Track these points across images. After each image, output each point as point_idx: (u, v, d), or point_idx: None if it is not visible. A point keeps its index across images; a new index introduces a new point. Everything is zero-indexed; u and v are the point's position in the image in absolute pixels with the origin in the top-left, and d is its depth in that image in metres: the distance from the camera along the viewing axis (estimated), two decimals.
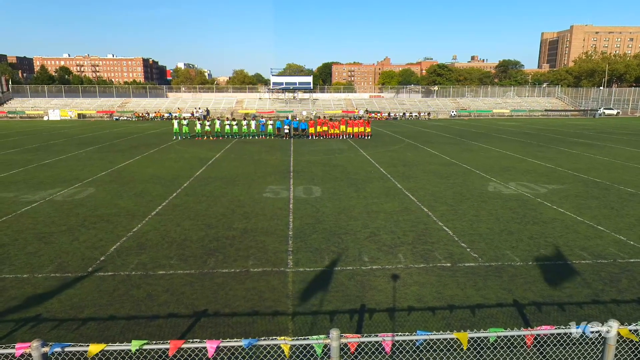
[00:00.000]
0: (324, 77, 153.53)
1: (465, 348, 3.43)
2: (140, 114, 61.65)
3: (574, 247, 8.75)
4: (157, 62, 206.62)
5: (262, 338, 3.35)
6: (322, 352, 3.34)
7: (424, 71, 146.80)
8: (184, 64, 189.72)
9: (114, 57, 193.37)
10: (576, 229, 9.85)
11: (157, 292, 6.77)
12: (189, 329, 5.74)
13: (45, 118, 61.30)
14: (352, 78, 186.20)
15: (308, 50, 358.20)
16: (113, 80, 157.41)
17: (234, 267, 7.75)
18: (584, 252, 8.45)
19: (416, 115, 62.72)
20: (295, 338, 3.32)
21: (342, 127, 32.09)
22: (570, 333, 3.62)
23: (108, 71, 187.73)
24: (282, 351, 3.33)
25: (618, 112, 69.36)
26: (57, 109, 64.23)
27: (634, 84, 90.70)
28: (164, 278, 7.30)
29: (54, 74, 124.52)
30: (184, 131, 31.38)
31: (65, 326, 5.77)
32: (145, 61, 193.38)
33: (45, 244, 8.94)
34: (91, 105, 67.88)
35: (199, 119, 41.28)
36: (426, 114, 63.62)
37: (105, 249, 8.62)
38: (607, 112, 67.61)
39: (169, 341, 3.20)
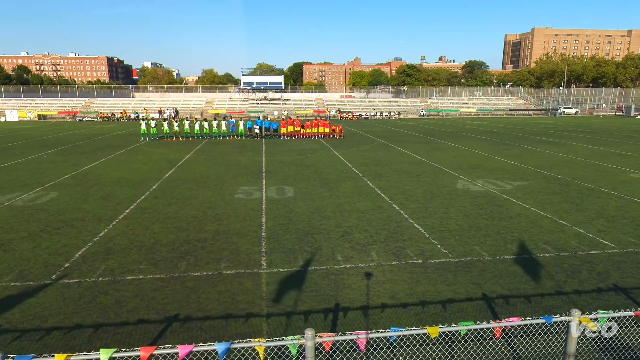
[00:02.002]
0: (295, 77, 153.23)
1: (435, 335, 3.50)
2: (106, 115, 59.65)
3: (538, 241, 9.11)
4: (122, 61, 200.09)
5: (236, 341, 3.31)
6: (297, 353, 3.33)
7: (393, 71, 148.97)
8: (151, 63, 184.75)
9: (77, 55, 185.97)
10: (540, 224, 10.25)
11: (125, 298, 6.58)
12: (160, 335, 5.61)
13: (2, 119, 58.31)
14: (323, 78, 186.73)
15: (279, 50, 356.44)
16: (75, 79, 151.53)
17: (206, 270, 7.62)
18: (547, 246, 8.81)
19: (386, 115, 63.58)
20: (269, 339, 3.30)
21: (314, 129, 32.15)
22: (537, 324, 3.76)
23: (70, 70, 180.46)
24: (257, 353, 3.31)
25: (577, 111, 72.72)
26: (15, 109, 61.20)
27: (591, 84, 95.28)
28: (133, 283, 7.09)
29: (11, 73, 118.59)
30: (151, 132, 30.58)
31: (27, 337, 5.52)
32: (110, 60, 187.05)
33: (4, 251, 8.50)
34: (52, 106, 65.09)
35: (165, 120, 40.34)
36: (396, 113, 64.59)
37: (70, 255, 8.29)
38: (566, 111, 70.73)
39: (139, 348, 3.12)
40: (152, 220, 10.62)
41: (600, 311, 3.83)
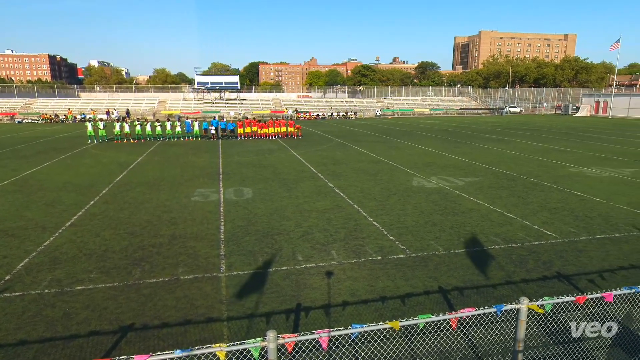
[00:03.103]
0: (251, 77, 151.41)
1: (397, 329, 3.59)
2: (48, 116, 56.08)
3: (488, 234, 9.57)
4: (66, 60, 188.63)
5: (196, 347, 3.23)
6: (259, 355, 3.30)
7: (349, 72, 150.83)
8: (98, 62, 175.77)
9: (14, 53, 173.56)
10: (490, 217, 10.78)
11: (75, 310, 6.22)
12: (115, 346, 5.36)
13: None
14: (280, 78, 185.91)
15: (234, 50, 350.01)
16: (13, 78, 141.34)
17: (162, 276, 7.37)
18: (497, 238, 9.27)
19: (343, 115, 64.30)
20: (231, 344, 3.25)
21: (271, 129, 31.92)
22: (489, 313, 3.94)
23: (7, 69, 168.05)
24: (218, 359, 3.24)
25: (521, 110, 77.00)
26: None
27: (533, 85, 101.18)
28: (83, 294, 6.73)
29: None
30: (100, 134, 29.12)
31: None
32: (52, 58, 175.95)
33: None
34: None
35: (118, 120, 38.57)
36: (353, 113, 65.48)
37: (11, 267, 7.73)
38: (512, 110, 74.69)
39: None
40: (103, 226, 10.12)
41: (546, 298, 4.08)
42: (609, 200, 12.47)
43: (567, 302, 4.12)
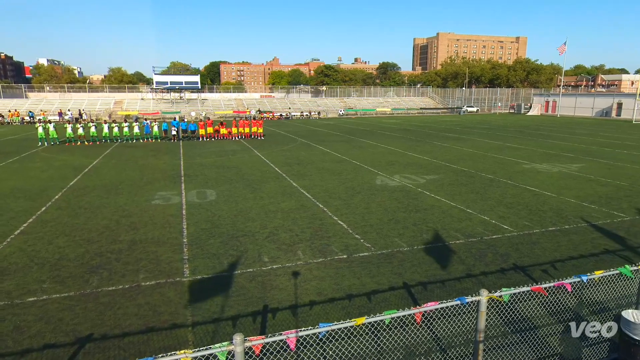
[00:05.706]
0: (212, 77, 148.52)
1: (359, 324, 3.63)
2: None
3: (449, 229, 9.88)
4: (11, 58, 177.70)
5: (160, 355, 3.13)
6: None
7: (312, 72, 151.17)
8: (47, 60, 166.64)
9: None
10: (450, 213, 11.13)
11: (27, 323, 5.87)
12: (72, 359, 5.10)
13: None
14: (242, 78, 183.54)
15: (193, 49, 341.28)
16: None
17: (122, 283, 7.09)
18: (457, 233, 9.59)
19: (307, 115, 64.37)
20: (196, 350, 3.17)
21: (234, 130, 31.45)
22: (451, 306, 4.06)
23: None
24: None
25: (478, 110, 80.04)
26: None
27: (488, 85, 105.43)
28: (36, 305, 6.36)
29: None
30: (51, 136, 27.61)
31: None
32: None
33: None
34: None
35: (69, 122, 36.74)
36: (316, 113, 65.69)
37: None
38: (469, 109, 77.52)
39: None
40: (56, 233, 9.61)
41: (504, 289, 4.27)
42: (559, 194, 13.21)
43: (523, 292, 4.32)
